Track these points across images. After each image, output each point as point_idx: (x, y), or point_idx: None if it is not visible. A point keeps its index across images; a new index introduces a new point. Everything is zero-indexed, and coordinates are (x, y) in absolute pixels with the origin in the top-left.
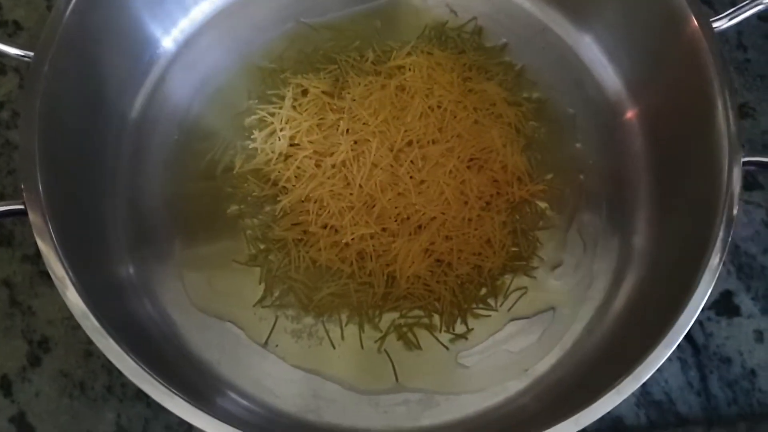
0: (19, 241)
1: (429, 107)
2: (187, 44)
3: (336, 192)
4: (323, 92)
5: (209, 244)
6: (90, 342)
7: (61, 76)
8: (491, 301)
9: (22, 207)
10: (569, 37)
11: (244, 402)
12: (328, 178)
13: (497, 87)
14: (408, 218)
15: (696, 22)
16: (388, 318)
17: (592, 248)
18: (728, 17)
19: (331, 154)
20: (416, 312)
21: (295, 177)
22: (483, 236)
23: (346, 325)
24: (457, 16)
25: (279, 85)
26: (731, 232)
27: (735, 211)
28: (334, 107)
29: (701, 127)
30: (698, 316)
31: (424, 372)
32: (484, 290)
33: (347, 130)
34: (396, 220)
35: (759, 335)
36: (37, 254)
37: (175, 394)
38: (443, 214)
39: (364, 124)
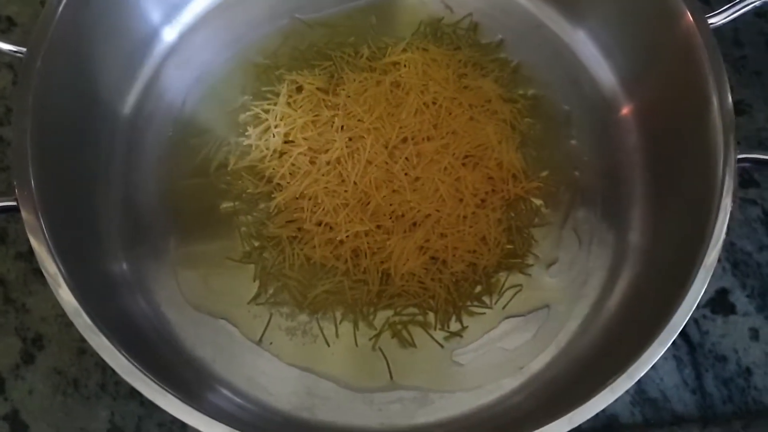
0: (13, 239)
1: (424, 104)
2: (181, 40)
3: (330, 189)
4: (318, 89)
5: (203, 242)
6: (84, 339)
7: (54, 71)
8: (486, 299)
9: (14, 204)
10: (564, 33)
11: (238, 400)
12: (323, 175)
13: (492, 83)
14: (403, 215)
15: (691, 18)
16: (382, 315)
17: (587, 245)
18: (724, 13)
19: (326, 151)
20: (411, 309)
21: (290, 174)
22: (478, 233)
23: (340, 322)
24: (452, 13)
25: (274, 82)
26: (726, 229)
27: (730, 208)
28: (329, 104)
29: (696, 123)
30: (693, 314)
31: (419, 370)
32: (478, 288)
33: (342, 127)
34: (391, 218)
35: (754, 333)
36: (31, 251)
37: (168, 391)
38: (438, 211)
39: (358, 120)
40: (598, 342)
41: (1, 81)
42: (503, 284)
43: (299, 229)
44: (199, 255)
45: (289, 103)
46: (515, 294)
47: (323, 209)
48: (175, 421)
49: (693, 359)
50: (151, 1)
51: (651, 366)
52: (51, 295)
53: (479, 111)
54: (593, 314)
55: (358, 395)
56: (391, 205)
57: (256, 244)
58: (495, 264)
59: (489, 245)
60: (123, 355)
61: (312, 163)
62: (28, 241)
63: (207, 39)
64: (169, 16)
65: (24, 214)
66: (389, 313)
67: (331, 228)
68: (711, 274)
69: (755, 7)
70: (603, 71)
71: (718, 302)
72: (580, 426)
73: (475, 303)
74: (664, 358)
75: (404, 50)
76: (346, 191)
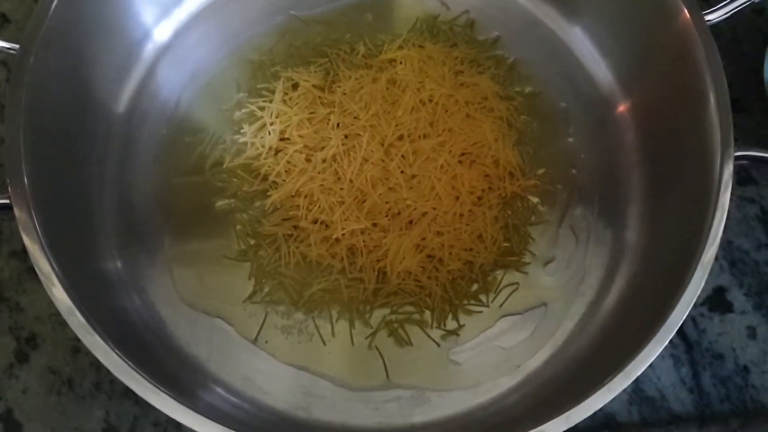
0: (7, 237)
1: (420, 101)
2: (176, 37)
3: (326, 187)
4: (314, 86)
5: (199, 240)
6: (78, 338)
7: (47, 69)
8: (483, 297)
9: (7, 201)
10: (561, 30)
11: (233, 399)
12: (319, 173)
13: (489, 81)
14: (399, 213)
15: (688, 15)
16: (378, 314)
17: (585, 243)
18: (721, 10)
19: (322, 149)
20: (407, 308)
21: (285, 172)
22: (474, 231)
23: (336, 321)
24: (448, 9)
25: (269, 79)
26: (723, 227)
27: (727, 206)
28: (325, 101)
29: (694, 121)
30: (691, 312)
31: (416, 368)
32: (475, 286)
33: (338, 125)
34: (387, 216)
35: (752, 331)
36: (25, 250)
37: (162, 391)
38: (434, 209)
39: (354, 118)
40: (596, 340)
41: None
42: (500, 282)
43: (295, 227)
44: (195, 253)
45: (284, 101)
46: (512, 292)
47: (319, 207)
48: (170, 420)
49: (690, 358)
50: None
51: (648, 365)
52: (45, 293)
53: (476, 108)
54: (590, 312)
55: (355, 394)
56: (387, 202)
57: (252, 242)
58: (492, 262)
59: (486, 243)
60: (117, 354)
61: (308, 160)
62: (21, 239)
63: (202, 36)
64: (164, 13)
65: (17, 212)
66: (386, 311)
67: (327, 226)
68: (708, 272)
69: (753, 4)
70: (600, 68)
71: (715, 300)
72: (577, 425)
73: (472, 301)
74: (661, 356)
75: (400, 47)
76: (342, 189)
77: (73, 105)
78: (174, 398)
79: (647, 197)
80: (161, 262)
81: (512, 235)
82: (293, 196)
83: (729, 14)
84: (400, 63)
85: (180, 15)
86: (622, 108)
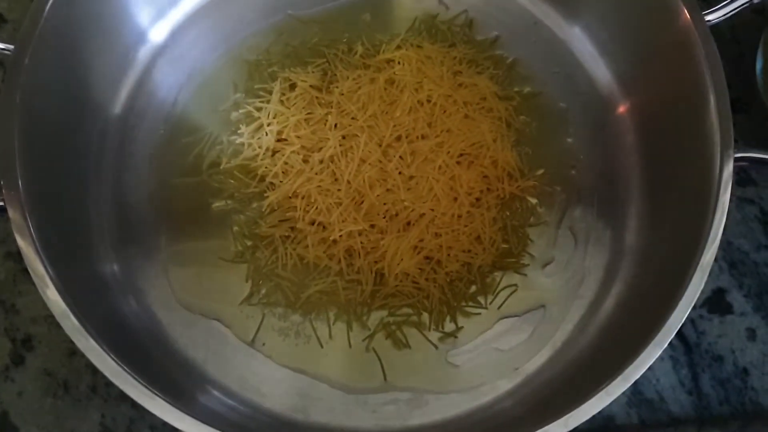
0: (2, 238)
1: (418, 101)
2: (172, 37)
3: (324, 188)
4: (311, 86)
5: (195, 241)
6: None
7: (42, 69)
8: (481, 299)
9: (1, 203)
10: (561, 30)
11: (230, 401)
12: (316, 174)
13: (488, 81)
14: (397, 214)
15: (688, 15)
16: (376, 316)
17: (584, 245)
18: (721, 10)
19: (319, 150)
20: (405, 310)
21: (283, 173)
22: (473, 233)
23: (333, 323)
24: (447, 9)
25: (266, 79)
26: (723, 228)
27: (727, 207)
28: (323, 101)
29: (693, 121)
30: (690, 314)
31: (413, 371)
32: (473, 288)
33: (335, 125)
34: (385, 217)
35: (751, 333)
36: (20, 251)
37: (156, 395)
38: (432, 210)
39: (352, 118)
40: (594, 342)
41: None
42: (498, 284)
43: (292, 228)
44: (191, 254)
45: (282, 101)
46: (510, 294)
47: (316, 208)
48: (167, 424)
49: (689, 360)
50: None
51: (647, 367)
52: (41, 295)
53: (474, 109)
54: (589, 314)
55: (352, 397)
56: (384, 204)
57: (249, 243)
58: (490, 264)
59: (484, 245)
60: (111, 357)
61: (305, 161)
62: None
63: (198, 36)
64: (160, 13)
65: (11, 213)
66: (383, 313)
67: (324, 227)
68: (708, 273)
69: (752, 4)
70: (599, 69)
71: (714, 302)
72: (576, 427)
73: (470, 303)
74: (660, 358)
75: (398, 47)
76: (339, 190)
77: (68, 105)
78: (169, 402)
79: (647, 198)
80: (157, 264)
81: (511, 237)
82: (290, 198)
83: (729, 14)
84: (398, 63)
85: (176, 15)
86: (621, 108)
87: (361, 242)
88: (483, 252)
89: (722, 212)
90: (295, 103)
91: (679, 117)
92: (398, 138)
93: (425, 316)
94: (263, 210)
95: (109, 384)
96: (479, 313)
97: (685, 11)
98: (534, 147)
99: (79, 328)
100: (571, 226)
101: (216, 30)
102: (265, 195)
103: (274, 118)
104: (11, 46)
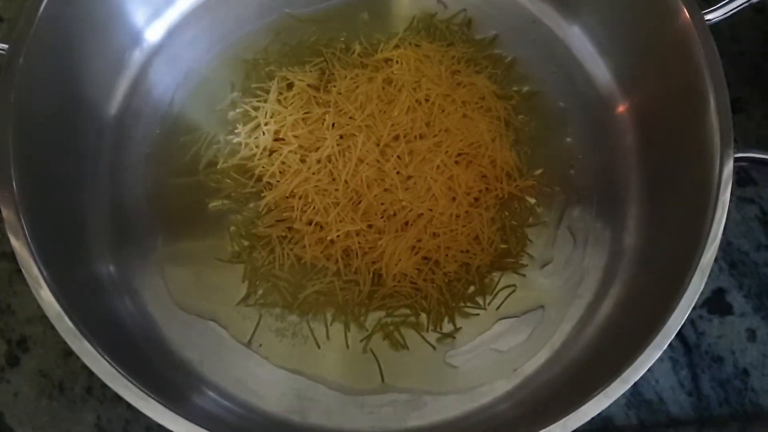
0: None
1: (416, 101)
2: (168, 37)
3: (321, 188)
4: (309, 85)
5: (192, 241)
6: None
7: (37, 68)
8: (479, 300)
9: None
10: (560, 29)
11: (226, 403)
12: (313, 174)
13: (486, 80)
14: (395, 215)
15: (687, 15)
16: (374, 317)
17: (583, 245)
18: (721, 10)
19: (317, 149)
20: (403, 311)
21: (280, 172)
22: (471, 233)
23: (331, 324)
24: (446, 8)
25: (264, 79)
26: (722, 228)
27: (727, 207)
28: (320, 101)
29: (693, 121)
30: (690, 314)
31: (411, 372)
32: (472, 288)
33: (333, 125)
34: (382, 217)
35: (751, 334)
36: None
37: (150, 396)
38: (430, 210)
39: (350, 118)
40: (593, 343)
41: None
42: (497, 284)
43: (289, 228)
44: (188, 255)
45: (279, 101)
46: (509, 294)
47: (314, 208)
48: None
49: (689, 360)
50: None
51: (646, 369)
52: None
53: (473, 108)
54: (588, 315)
55: (350, 398)
56: (382, 204)
57: (246, 243)
58: (488, 264)
59: (482, 245)
60: (105, 359)
61: (302, 161)
62: None
63: (195, 35)
64: (158, 11)
65: (5, 213)
66: (381, 314)
67: (321, 227)
68: (707, 274)
69: (752, 3)
70: (598, 68)
71: (714, 302)
72: (574, 430)
73: (469, 304)
74: (659, 359)
75: (397, 46)
76: (337, 190)
77: (64, 105)
78: (163, 404)
79: (646, 198)
80: (154, 264)
81: (509, 237)
82: (288, 197)
83: (729, 14)
84: (396, 62)
85: (172, 14)
86: (621, 108)
87: (359, 242)
88: (481, 252)
89: (722, 212)
90: (292, 103)
91: (679, 117)
92: (396, 137)
93: (423, 316)
94: (260, 210)
95: (104, 385)
96: (477, 314)
97: (685, 10)
98: (533, 146)
99: (72, 330)
100: (570, 226)
101: (213, 29)
102: (262, 195)
103: (271, 117)
104: (6, 46)
